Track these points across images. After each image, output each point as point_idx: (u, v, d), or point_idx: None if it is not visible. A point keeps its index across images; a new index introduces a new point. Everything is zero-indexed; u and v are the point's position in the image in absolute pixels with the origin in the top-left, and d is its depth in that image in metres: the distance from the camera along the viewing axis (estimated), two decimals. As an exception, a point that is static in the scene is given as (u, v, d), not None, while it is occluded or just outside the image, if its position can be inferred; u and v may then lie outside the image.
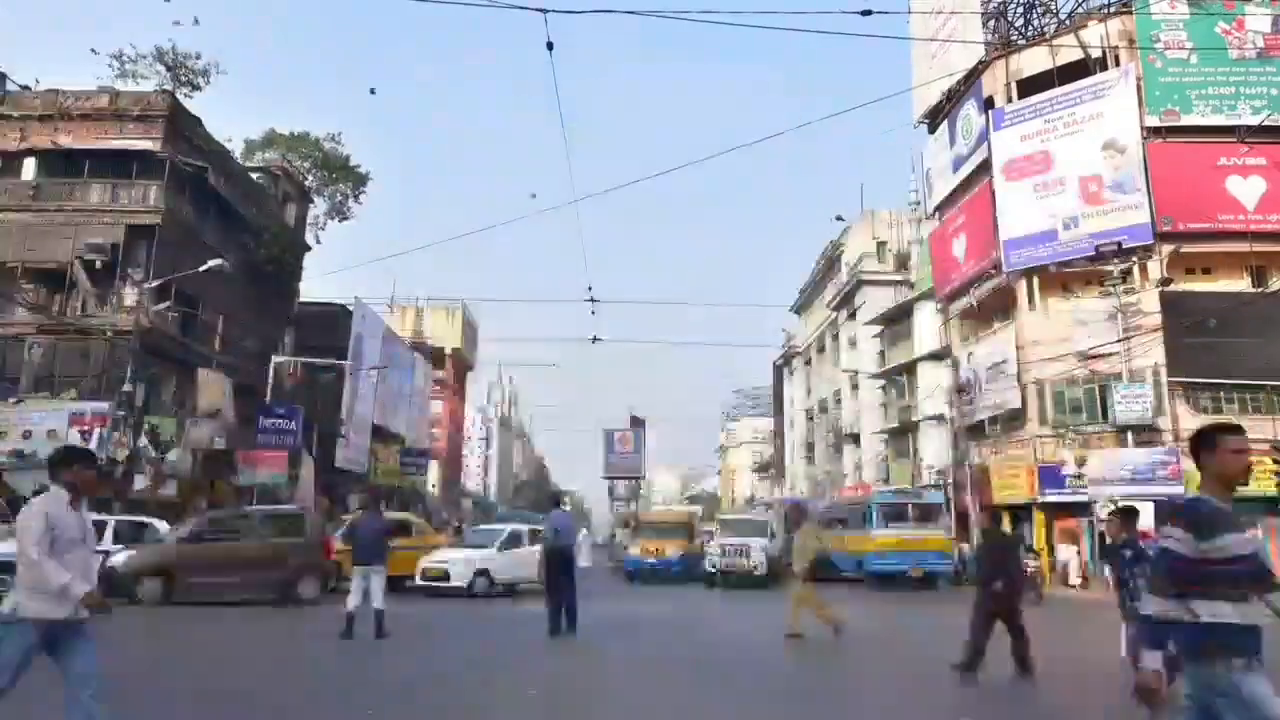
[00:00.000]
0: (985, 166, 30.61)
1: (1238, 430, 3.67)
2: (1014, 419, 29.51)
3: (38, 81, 29.36)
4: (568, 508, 15.65)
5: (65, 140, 27.35)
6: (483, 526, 26.31)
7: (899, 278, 45.66)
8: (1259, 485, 23.08)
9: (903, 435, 41.29)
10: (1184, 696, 3.14)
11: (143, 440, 24.28)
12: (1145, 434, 25.56)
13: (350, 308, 39.00)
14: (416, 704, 6.89)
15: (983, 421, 31.13)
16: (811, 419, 59.91)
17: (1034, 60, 30.35)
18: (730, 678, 8.41)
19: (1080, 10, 31.11)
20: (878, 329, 44.21)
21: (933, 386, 36.32)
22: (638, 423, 68.04)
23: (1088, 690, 8.34)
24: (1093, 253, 26.38)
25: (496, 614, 14.75)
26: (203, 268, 24.39)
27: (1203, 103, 27.15)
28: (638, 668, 9.03)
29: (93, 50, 45.26)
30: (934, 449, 36.52)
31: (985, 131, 30.53)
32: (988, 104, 30.83)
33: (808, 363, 61.75)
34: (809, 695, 7.76)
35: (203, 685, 7.45)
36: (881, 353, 44.18)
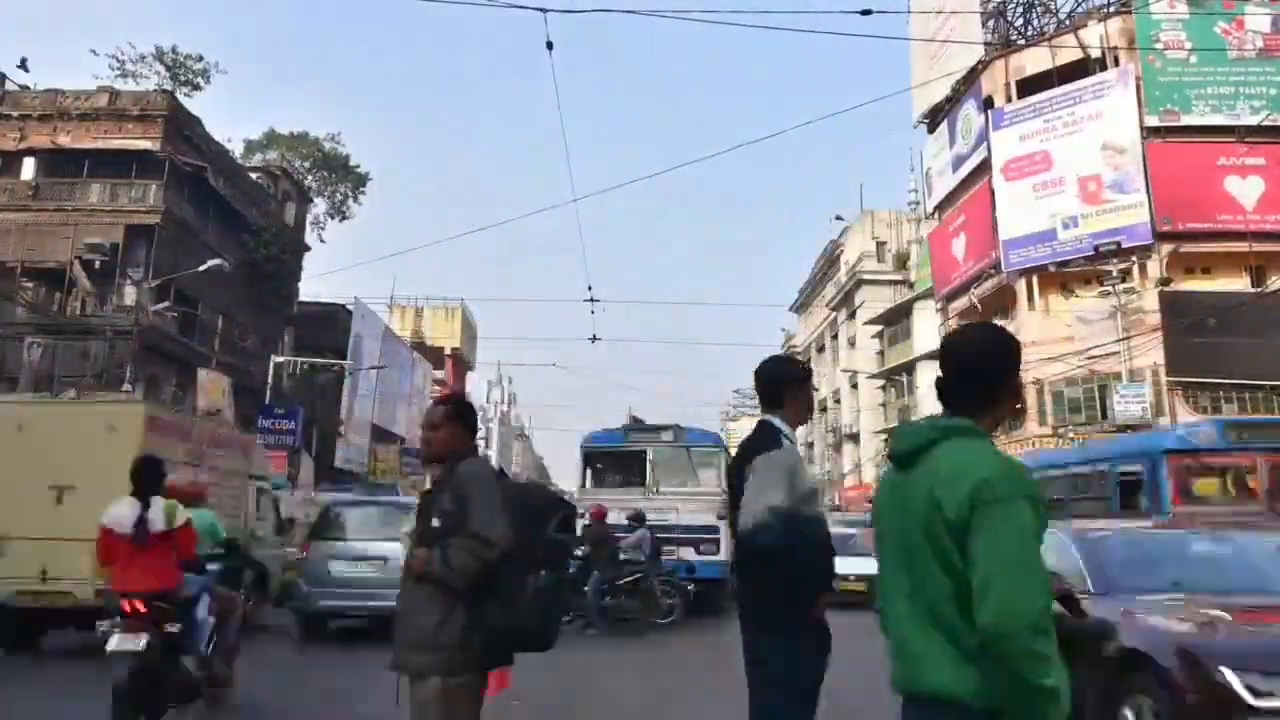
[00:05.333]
0: (985, 166, 30.61)
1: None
2: (1013, 419, 29.51)
3: (36, 83, 29.43)
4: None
5: (65, 140, 27.36)
6: None
7: (898, 277, 45.68)
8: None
9: (902, 435, 41.29)
10: None
11: (142, 440, 24.26)
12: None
13: (350, 308, 39.01)
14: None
15: (982, 421, 31.14)
16: (811, 418, 59.95)
17: (1034, 60, 30.36)
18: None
19: (1080, 10, 31.13)
20: (877, 329, 44.22)
21: (932, 386, 36.33)
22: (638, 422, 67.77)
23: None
24: (1092, 252, 26.39)
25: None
26: (202, 267, 24.41)
27: (1202, 103, 27.16)
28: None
29: (93, 51, 45.28)
30: (933, 449, 36.51)
31: (985, 131, 30.53)
32: (987, 104, 30.84)
33: (807, 362, 61.79)
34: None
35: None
36: (881, 352, 44.20)
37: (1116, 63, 28.17)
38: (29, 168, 27.68)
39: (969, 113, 32.10)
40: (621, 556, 11.87)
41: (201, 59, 37.20)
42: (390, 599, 4.00)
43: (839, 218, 51.77)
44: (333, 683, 7.81)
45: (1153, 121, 27.12)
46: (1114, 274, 25.70)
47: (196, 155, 28.52)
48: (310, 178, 42.40)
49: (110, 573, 5.22)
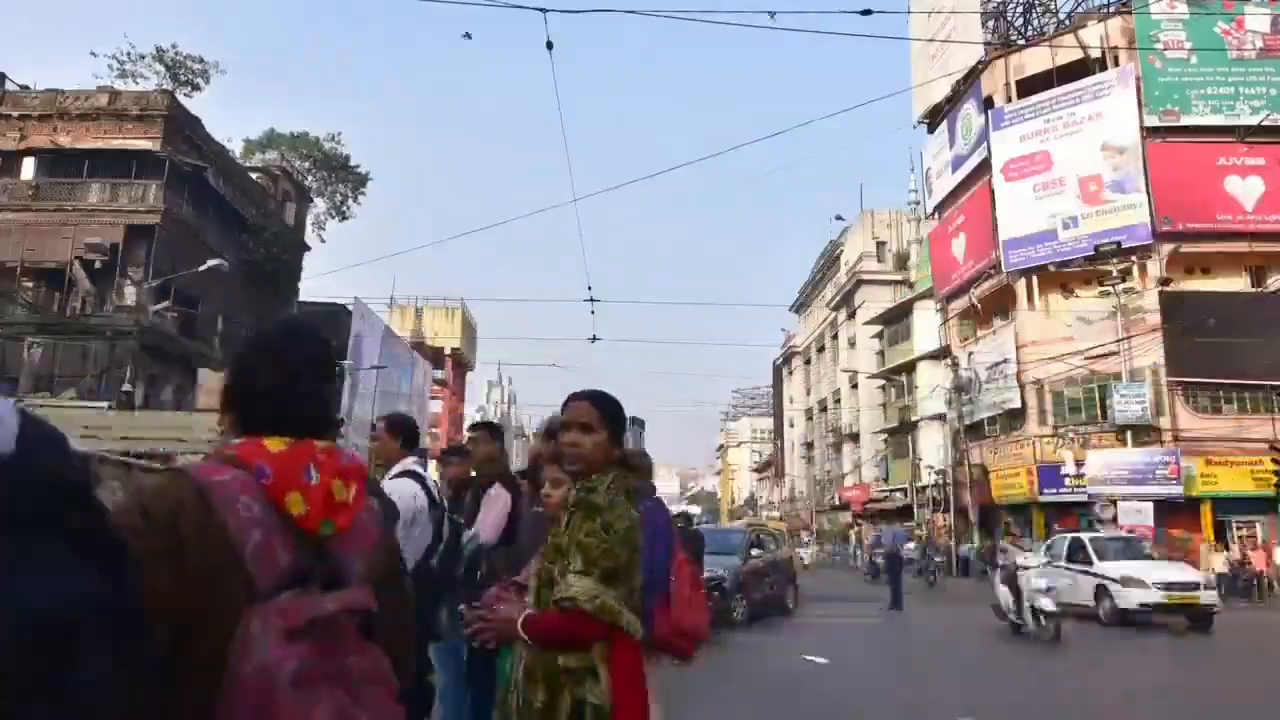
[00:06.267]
0: (985, 166, 30.61)
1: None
2: (1013, 419, 29.51)
3: (36, 83, 29.44)
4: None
5: (65, 140, 27.34)
6: None
7: (898, 277, 45.69)
8: (1258, 485, 23.09)
9: (902, 434, 41.32)
10: None
11: (142, 440, 24.26)
12: (1144, 434, 25.56)
13: (350, 308, 38.99)
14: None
15: (982, 421, 31.13)
16: (811, 418, 59.92)
17: (1034, 60, 30.36)
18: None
19: (1080, 10, 31.13)
20: (877, 329, 44.23)
21: (932, 386, 36.33)
22: (637, 423, 67.69)
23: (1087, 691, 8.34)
24: (1092, 252, 26.40)
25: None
26: (202, 267, 24.39)
27: (1202, 103, 27.16)
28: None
29: (92, 53, 45.27)
30: (933, 448, 36.55)
31: (985, 131, 30.53)
32: (987, 104, 30.84)
33: (807, 362, 61.77)
34: (807, 693, 7.75)
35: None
36: (881, 352, 44.21)
37: (1116, 63, 28.17)
38: (29, 168, 27.66)
39: (969, 113, 32.10)
40: None
41: (201, 60, 37.15)
42: None
43: (839, 218, 51.82)
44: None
45: (1153, 121, 27.11)
46: (1114, 274, 25.71)
47: (196, 155, 28.50)
48: (310, 178, 42.36)
49: None
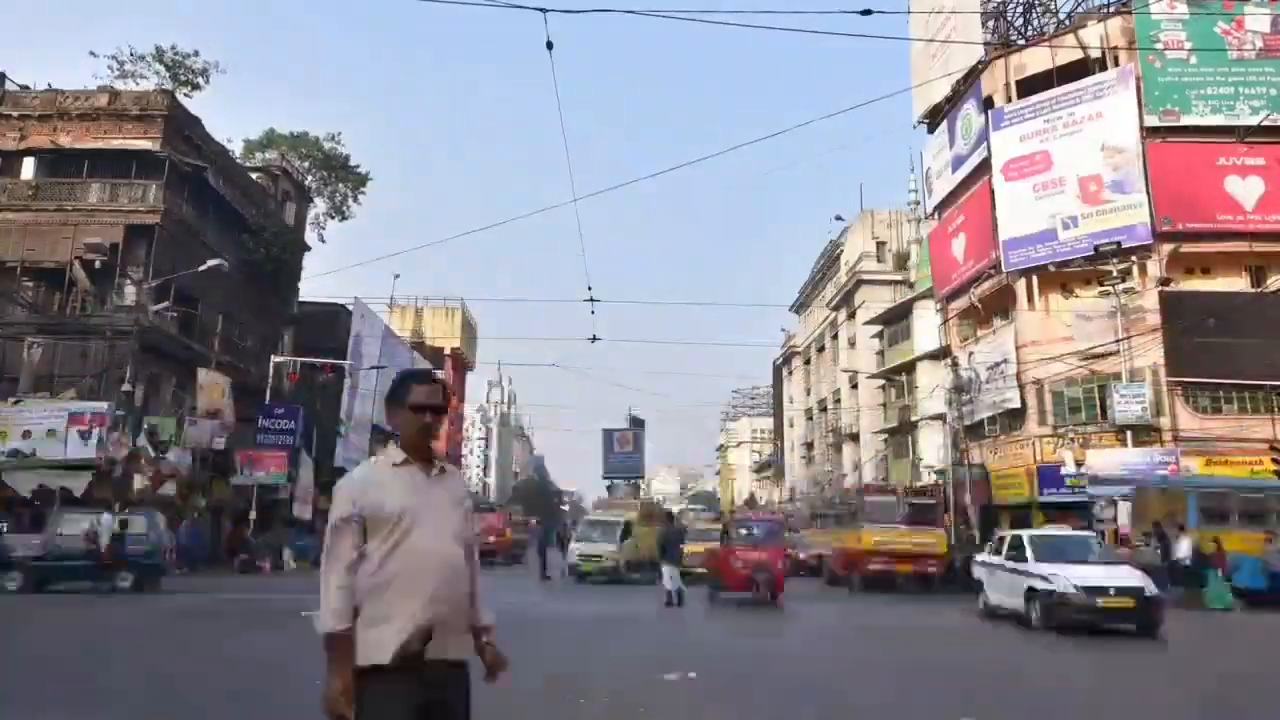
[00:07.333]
0: (985, 166, 30.61)
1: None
2: (1013, 419, 29.50)
3: (35, 82, 29.45)
4: None
5: (64, 140, 27.36)
6: None
7: (898, 277, 45.69)
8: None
9: (902, 435, 41.32)
10: None
11: (142, 440, 24.27)
12: (1144, 434, 25.54)
13: (350, 308, 39.00)
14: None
15: (982, 421, 31.12)
16: (811, 418, 59.91)
17: (1034, 60, 30.36)
18: (719, 675, 8.40)
19: (1080, 10, 31.14)
20: (877, 329, 44.22)
21: (932, 386, 36.33)
22: (637, 423, 67.91)
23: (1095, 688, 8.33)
24: (1092, 252, 26.40)
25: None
26: (202, 268, 24.41)
27: (1202, 103, 27.16)
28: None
29: (92, 54, 45.17)
30: (933, 448, 36.54)
31: (985, 131, 30.52)
32: (987, 104, 30.83)
33: (807, 362, 61.76)
34: (802, 693, 7.75)
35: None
36: (881, 352, 44.20)
37: (1116, 63, 28.18)
38: (29, 168, 27.68)
39: (969, 113, 32.09)
40: None
41: (198, 54, 37.15)
42: None
43: (839, 218, 51.87)
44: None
45: (1153, 121, 27.12)
46: (1114, 274, 25.71)
47: (196, 155, 28.51)
48: (310, 178, 42.39)
49: None
